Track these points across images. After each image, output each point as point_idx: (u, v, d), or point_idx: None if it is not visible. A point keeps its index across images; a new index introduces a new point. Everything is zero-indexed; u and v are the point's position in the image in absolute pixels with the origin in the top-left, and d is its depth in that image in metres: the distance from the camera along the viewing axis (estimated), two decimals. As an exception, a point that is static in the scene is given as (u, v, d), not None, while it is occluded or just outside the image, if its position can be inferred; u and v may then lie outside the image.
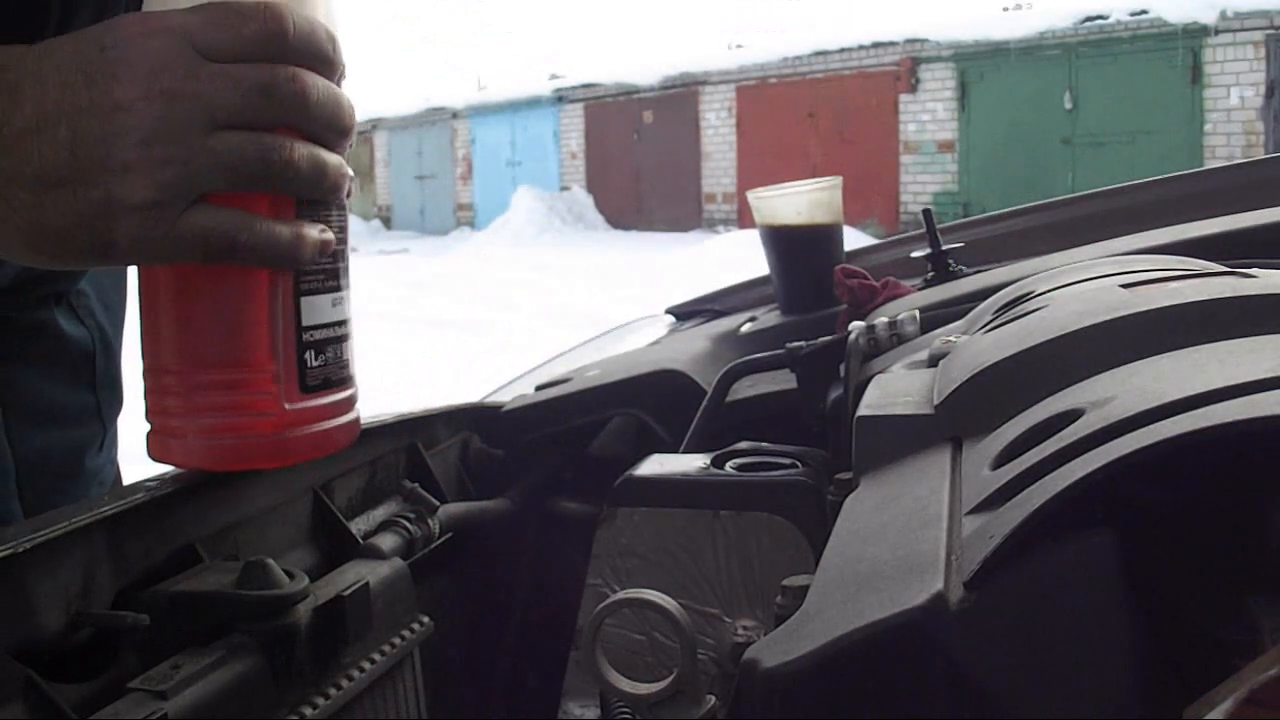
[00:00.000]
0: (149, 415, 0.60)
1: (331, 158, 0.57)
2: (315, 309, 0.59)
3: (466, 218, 20.07)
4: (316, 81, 0.56)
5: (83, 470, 0.87)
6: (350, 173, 0.59)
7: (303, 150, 0.55)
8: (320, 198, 0.58)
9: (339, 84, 0.58)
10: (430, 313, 9.40)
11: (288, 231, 0.56)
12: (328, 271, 0.59)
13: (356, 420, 0.64)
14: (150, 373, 0.59)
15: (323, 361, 0.60)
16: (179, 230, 0.53)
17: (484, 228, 18.36)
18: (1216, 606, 0.36)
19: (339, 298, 0.61)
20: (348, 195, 0.60)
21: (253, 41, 0.54)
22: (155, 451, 0.60)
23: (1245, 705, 0.29)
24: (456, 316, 9.09)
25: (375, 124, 21.35)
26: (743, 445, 0.76)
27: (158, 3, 0.56)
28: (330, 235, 0.59)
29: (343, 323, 0.61)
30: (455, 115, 20.42)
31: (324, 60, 0.57)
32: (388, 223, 21.80)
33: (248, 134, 0.54)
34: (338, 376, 0.61)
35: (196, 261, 0.55)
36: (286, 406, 0.58)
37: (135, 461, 0.66)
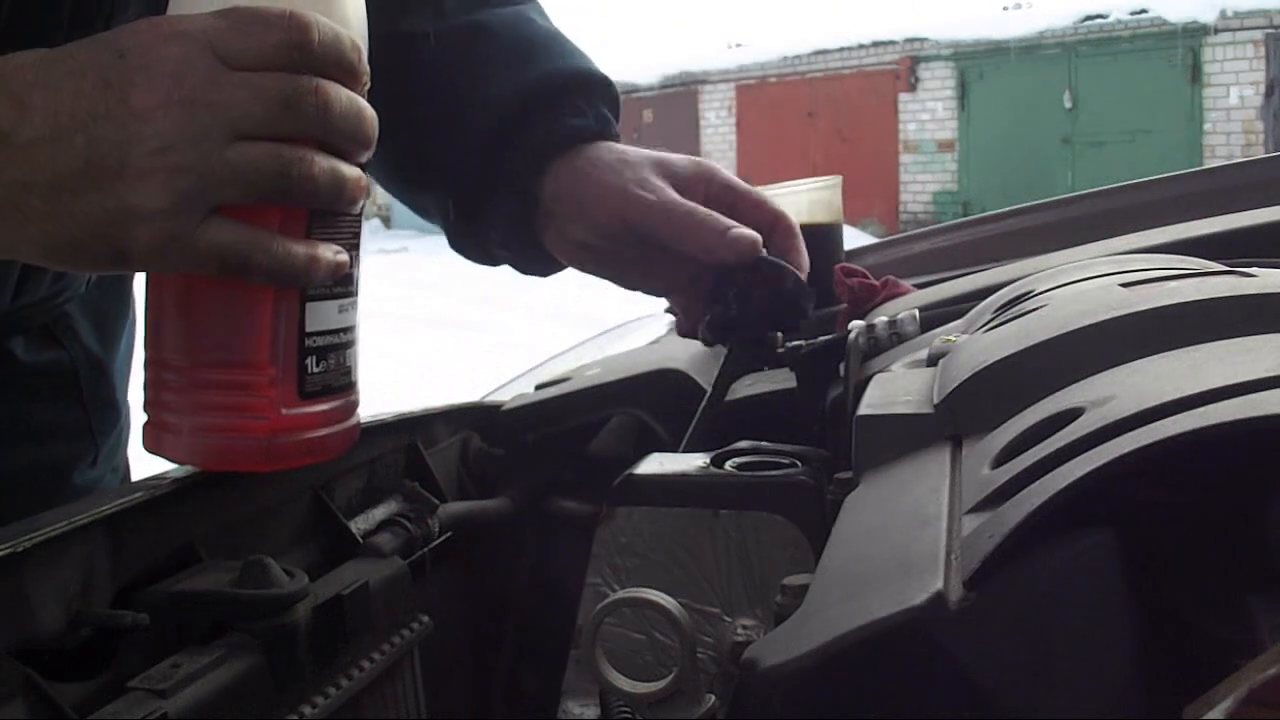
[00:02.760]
0: (146, 407, 0.60)
1: (351, 171, 0.56)
2: (320, 315, 0.59)
3: (466, 217, 20.04)
4: (340, 93, 0.54)
5: (71, 485, 0.87)
6: (368, 184, 0.59)
7: (323, 164, 0.54)
8: (337, 211, 0.58)
9: (362, 94, 0.57)
10: (430, 312, 9.40)
11: (303, 253, 0.55)
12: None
13: (355, 427, 0.63)
14: (151, 365, 0.59)
15: (324, 368, 0.59)
16: (194, 243, 0.52)
17: (484, 227, 18.34)
18: (1216, 606, 0.36)
19: (346, 304, 0.61)
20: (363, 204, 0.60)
21: (276, 50, 0.53)
22: (148, 443, 0.60)
23: (1245, 705, 0.29)
24: (456, 316, 9.09)
25: (375, 123, 21.32)
26: (743, 444, 0.76)
27: (178, 7, 0.55)
28: (344, 257, 0.58)
29: (348, 329, 0.61)
30: (455, 114, 20.39)
31: (348, 70, 0.55)
32: (387, 222, 21.79)
33: (268, 146, 0.53)
34: (338, 383, 0.61)
35: (210, 274, 0.54)
36: (282, 411, 0.58)
37: (147, 460, 0.66)
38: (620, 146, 0.84)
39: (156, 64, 0.51)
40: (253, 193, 0.53)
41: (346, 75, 0.55)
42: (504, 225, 0.85)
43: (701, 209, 0.80)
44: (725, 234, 0.78)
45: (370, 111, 0.57)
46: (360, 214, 0.61)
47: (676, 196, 0.80)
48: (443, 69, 0.84)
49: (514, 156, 0.81)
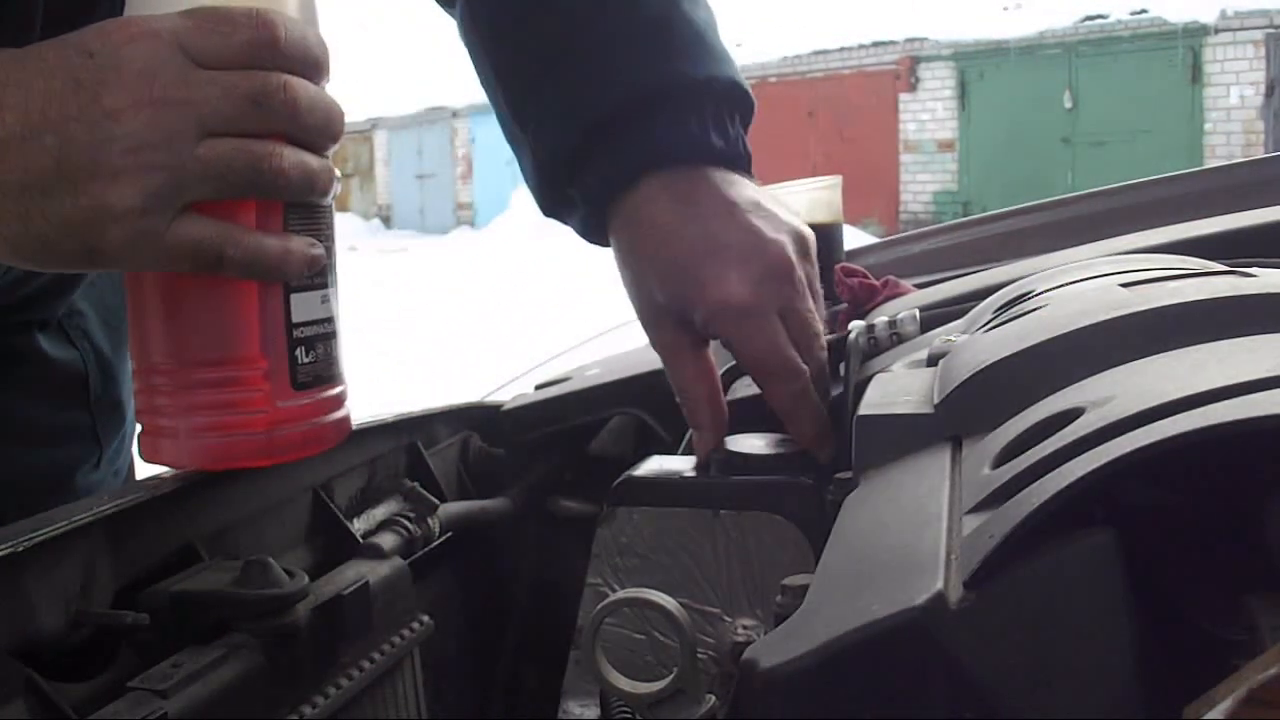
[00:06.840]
0: (140, 415, 0.60)
1: (320, 163, 0.57)
2: (305, 306, 0.59)
3: (466, 216, 20.05)
4: (307, 89, 0.56)
5: (73, 488, 0.86)
6: (338, 174, 0.60)
7: (293, 158, 0.55)
8: (309, 203, 0.58)
9: (325, 88, 0.58)
10: (429, 312, 9.40)
11: (276, 246, 0.56)
12: None
13: (347, 417, 0.64)
14: (140, 373, 0.59)
15: (313, 358, 0.60)
16: (167, 240, 0.53)
17: (484, 226, 18.36)
18: (1216, 606, 0.36)
19: (327, 294, 0.61)
20: (335, 195, 0.60)
21: (244, 49, 0.53)
22: (146, 452, 0.60)
23: (1245, 705, 0.29)
24: (455, 316, 9.09)
25: (375, 123, 21.29)
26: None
27: (142, 7, 0.56)
28: (320, 250, 0.59)
29: (331, 319, 0.62)
30: (455, 115, 20.38)
31: (314, 66, 0.56)
32: (388, 222, 21.78)
33: (237, 142, 0.53)
34: (328, 373, 0.61)
35: (184, 271, 0.55)
36: (278, 404, 0.58)
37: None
38: (707, 193, 0.72)
39: (127, 64, 0.51)
40: (225, 188, 0.54)
41: (312, 71, 0.56)
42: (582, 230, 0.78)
43: (697, 381, 0.73)
44: (700, 430, 0.73)
45: (337, 106, 0.58)
46: (332, 206, 0.62)
47: (686, 358, 0.73)
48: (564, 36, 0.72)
49: (582, 180, 0.73)
